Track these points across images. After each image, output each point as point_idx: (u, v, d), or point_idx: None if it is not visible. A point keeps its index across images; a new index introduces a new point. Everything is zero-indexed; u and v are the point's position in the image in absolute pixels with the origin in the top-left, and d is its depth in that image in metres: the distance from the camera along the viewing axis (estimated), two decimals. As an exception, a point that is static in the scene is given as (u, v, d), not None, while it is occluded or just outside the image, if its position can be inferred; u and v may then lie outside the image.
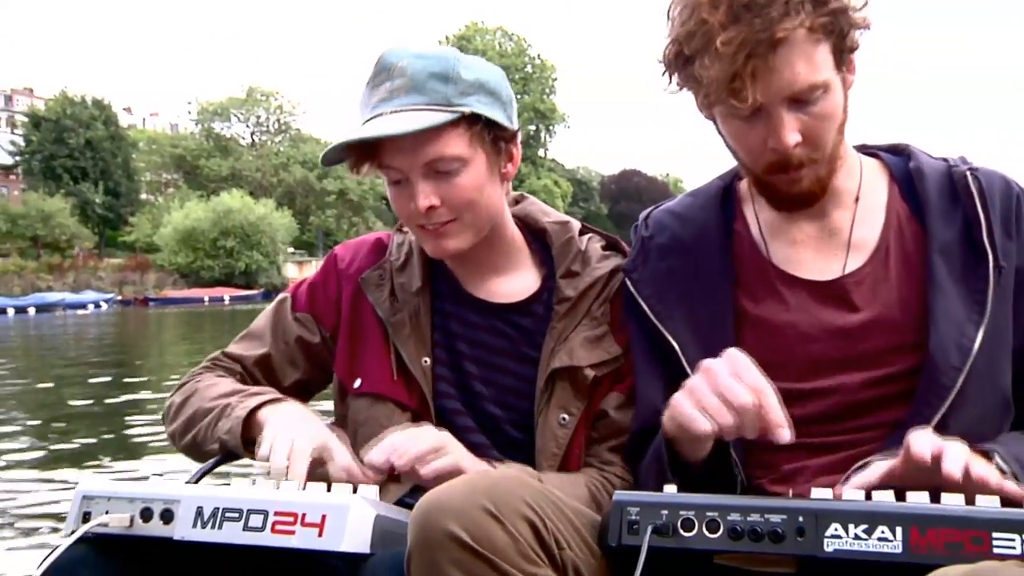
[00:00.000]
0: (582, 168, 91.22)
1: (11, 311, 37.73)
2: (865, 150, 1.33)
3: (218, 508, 1.04)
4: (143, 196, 64.90)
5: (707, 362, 1.07)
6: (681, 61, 1.17)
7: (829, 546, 0.89)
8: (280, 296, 1.56)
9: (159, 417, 2.67)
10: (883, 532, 0.87)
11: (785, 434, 1.00)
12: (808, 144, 1.15)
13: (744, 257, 1.29)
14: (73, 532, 1.08)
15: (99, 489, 1.11)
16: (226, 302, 45.30)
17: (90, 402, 8.96)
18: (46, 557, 1.07)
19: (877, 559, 0.88)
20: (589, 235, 1.48)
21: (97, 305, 43.24)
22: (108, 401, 8.95)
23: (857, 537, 0.88)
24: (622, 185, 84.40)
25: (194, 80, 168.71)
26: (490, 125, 1.33)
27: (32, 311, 38.57)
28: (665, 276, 1.31)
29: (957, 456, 0.99)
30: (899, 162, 1.29)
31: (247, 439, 1.30)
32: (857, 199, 1.25)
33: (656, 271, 1.32)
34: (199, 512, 1.05)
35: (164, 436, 1.70)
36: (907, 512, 0.89)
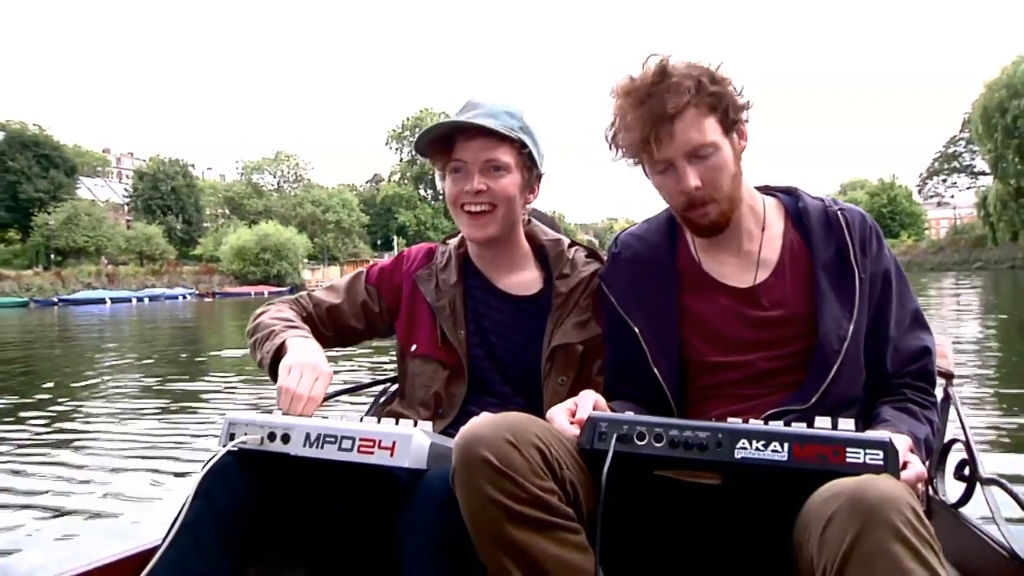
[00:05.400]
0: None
1: (134, 300, 43.81)
2: (766, 191, 1.43)
3: (320, 434, 1.17)
4: (205, 225, 71.09)
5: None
6: (613, 134, 1.30)
7: (738, 454, 1.00)
8: (358, 270, 1.68)
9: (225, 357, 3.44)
10: (775, 446, 0.99)
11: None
12: (707, 187, 1.26)
13: (685, 268, 1.40)
14: (224, 446, 1.18)
15: (240, 418, 1.22)
16: (265, 295, 48.54)
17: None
18: (205, 463, 1.17)
19: (770, 464, 0.98)
20: (575, 247, 1.62)
21: (184, 297, 49.13)
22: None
23: (758, 449, 1.00)
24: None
25: (232, 139, 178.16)
26: (530, 159, 1.47)
27: (146, 300, 44.44)
28: (629, 281, 1.43)
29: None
30: (791, 201, 1.41)
31: (277, 358, 1.40)
32: (763, 229, 1.37)
33: (623, 278, 1.44)
34: (307, 436, 1.18)
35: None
36: (791, 433, 1.00)
